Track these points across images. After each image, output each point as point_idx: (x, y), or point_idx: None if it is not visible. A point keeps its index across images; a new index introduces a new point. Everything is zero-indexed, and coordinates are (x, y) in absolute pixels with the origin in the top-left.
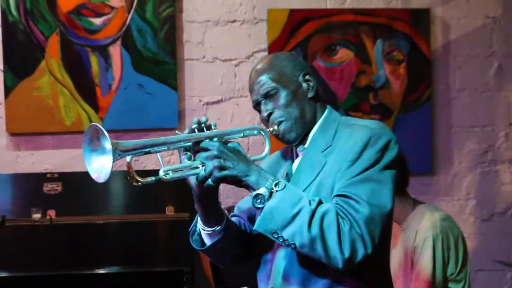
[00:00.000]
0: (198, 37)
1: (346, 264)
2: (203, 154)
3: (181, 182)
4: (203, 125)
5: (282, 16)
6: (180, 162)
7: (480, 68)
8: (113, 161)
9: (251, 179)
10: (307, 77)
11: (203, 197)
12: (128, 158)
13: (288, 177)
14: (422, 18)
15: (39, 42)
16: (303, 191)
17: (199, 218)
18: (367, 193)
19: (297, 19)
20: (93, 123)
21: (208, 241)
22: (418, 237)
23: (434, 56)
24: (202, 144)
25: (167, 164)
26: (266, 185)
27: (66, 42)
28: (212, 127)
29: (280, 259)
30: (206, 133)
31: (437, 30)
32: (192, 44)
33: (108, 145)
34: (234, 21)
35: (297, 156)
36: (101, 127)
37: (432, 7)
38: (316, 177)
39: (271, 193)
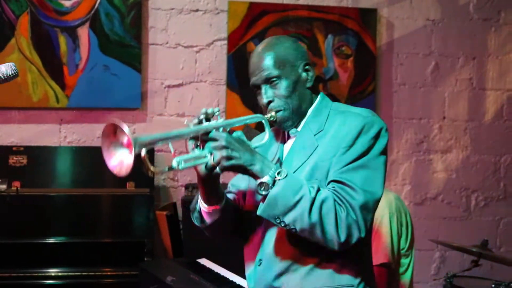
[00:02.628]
0: (163, 23)
1: (341, 247)
2: (212, 144)
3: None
4: (210, 115)
5: (242, 8)
6: (188, 152)
7: (419, 65)
8: (134, 156)
9: (256, 168)
10: (307, 67)
11: (207, 181)
12: (143, 152)
13: (280, 160)
14: (369, 17)
15: (10, 20)
16: (295, 171)
17: (199, 197)
18: (361, 180)
19: (256, 11)
20: (113, 119)
21: (207, 219)
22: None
23: (379, 52)
24: (211, 135)
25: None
26: (269, 173)
27: (36, 21)
28: (218, 117)
29: (271, 235)
30: (214, 123)
31: (382, 29)
32: (157, 30)
33: (128, 140)
34: (197, 10)
35: (288, 138)
36: (121, 123)
37: (379, 7)
38: (308, 158)
39: (274, 181)
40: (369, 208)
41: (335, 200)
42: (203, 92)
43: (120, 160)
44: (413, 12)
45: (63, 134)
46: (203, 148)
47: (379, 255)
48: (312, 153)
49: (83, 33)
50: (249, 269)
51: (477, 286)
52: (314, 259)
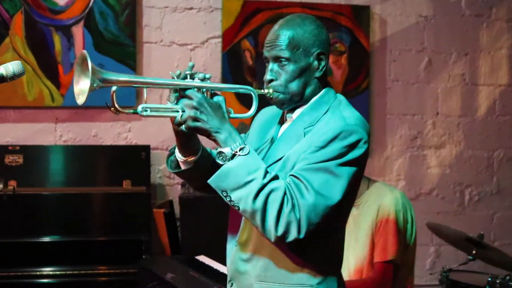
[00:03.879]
0: (157, 22)
1: (276, 240)
2: (185, 101)
3: (138, 159)
4: (196, 73)
5: (236, 6)
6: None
7: (412, 62)
8: (90, 87)
9: (220, 136)
10: (321, 56)
11: (180, 134)
12: (113, 88)
13: (272, 141)
14: (362, 14)
15: (3, 19)
16: (277, 161)
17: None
18: (319, 183)
19: (250, 9)
20: (83, 51)
21: (182, 167)
22: (381, 212)
23: (372, 49)
24: (187, 92)
25: None
26: (232, 146)
27: (30, 20)
28: (206, 77)
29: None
30: (196, 82)
31: (375, 26)
32: (151, 28)
33: (89, 71)
34: (191, 8)
35: (286, 120)
36: (87, 56)
37: (371, 4)
38: (290, 150)
39: (233, 155)
40: (317, 212)
41: (285, 193)
42: None
43: (81, 88)
44: (405, 9)
45: (59, 133)
46: (177, 103)
47: (386, 252)
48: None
49: (78, 31)
50: (229, 245)
51: (473, 280)
52: (274, 251)
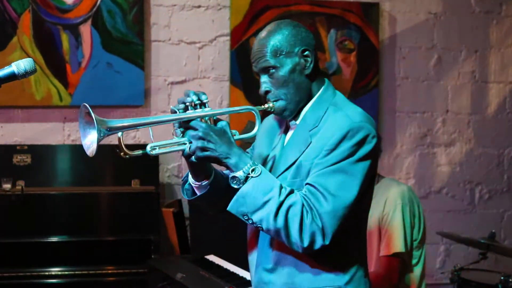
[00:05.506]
0: (165, 20)
1: (304, 251)
2: (191, 133)
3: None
4: (197, 102)
5: (244, 3)
6: (173, 137)
7: (422, 59)
8: (98, 138)
9: (231, 161)
10: (306, 53)
11: (191, 163)
12: (119, 133)
13: (280, 148)
14: (372, 11)
15: (11, 18)
16: (288, 167)
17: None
18: (335, 185)
19: (258, 7)
20: (84, 104)
21: (196, 191)
22: (387, 206)
23: (382, 46)
24: (191, 124)
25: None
26: (244, 169)
27: (38, 19)
28: (206, 105)
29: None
30: (198, 112)
31: (385, 23)
32: (159, 27)
33: (93, 123)
34: (199, 6)
35: (290, 127)
36: (88, 106)
37: (381, 1)
38: (301, 155)
39: (246, 178)
40: (337, 216)
41: (303, 205)
42: (207, 88)
43: (90, 141)
44: (415, 6)
45: (67, 132)
46: (183, 136)
47: (391, 245)
48: (305, 150)
49: (86, 30)
50: (250, 256)
51: (485, 279)
52: (299, 257)
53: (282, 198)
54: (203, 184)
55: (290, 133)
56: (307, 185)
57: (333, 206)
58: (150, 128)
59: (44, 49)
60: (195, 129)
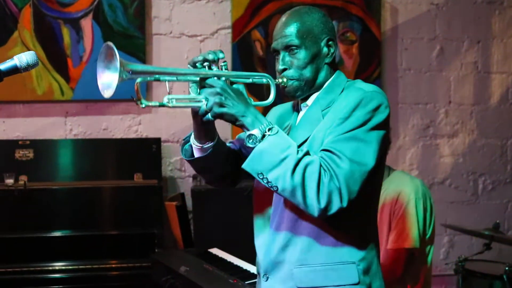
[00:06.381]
0: (166, 13)
1: (321, 213)
2: (207, 90)
3: (149, 152)
4: (213, 62)
5: None
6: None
7: (424, 50)
8: (119, 79)
9: (247, 120)
10: (330, 42)
11: (200, 123)
12: (138, 79)
13: (291, 129)
14: (373, 3)
15: (12, 13)
16: (301, 145)
17: (193, 133)
18: (350, 151)
19: None
20: (108, 42)
21: (197, 155)
22: (401, 199)
23: (384, 38)
24: (208, 81)
25: None
26: (260, 127)
27: (38, 14)
28: (223, 66)
29: (276, 207)
30: (215, 71)
31: (387, 14)
32: (160, 20)
33: (117, 63)
34: None
35: (301, 109)
36: (114, 46)
37: None
38: (313, 132)
39: (263, 136)
40: (355, 178)
41: (321, 166)
42: None
43: (107, 81)
44: None
45: (69, 127)
46: (199, 93)
47: (404, 239)
48: (317, 127)
49: (87, 24)
50: (258, 240)
51: (489, 269)
52: (312, 233)
53: (300, 155)
54: (205, 146)
55: (302, 113)
56: (322, 151)
57: (351, 169)
58: (167, 81)
59: (45, 43)
60: (212, 86)
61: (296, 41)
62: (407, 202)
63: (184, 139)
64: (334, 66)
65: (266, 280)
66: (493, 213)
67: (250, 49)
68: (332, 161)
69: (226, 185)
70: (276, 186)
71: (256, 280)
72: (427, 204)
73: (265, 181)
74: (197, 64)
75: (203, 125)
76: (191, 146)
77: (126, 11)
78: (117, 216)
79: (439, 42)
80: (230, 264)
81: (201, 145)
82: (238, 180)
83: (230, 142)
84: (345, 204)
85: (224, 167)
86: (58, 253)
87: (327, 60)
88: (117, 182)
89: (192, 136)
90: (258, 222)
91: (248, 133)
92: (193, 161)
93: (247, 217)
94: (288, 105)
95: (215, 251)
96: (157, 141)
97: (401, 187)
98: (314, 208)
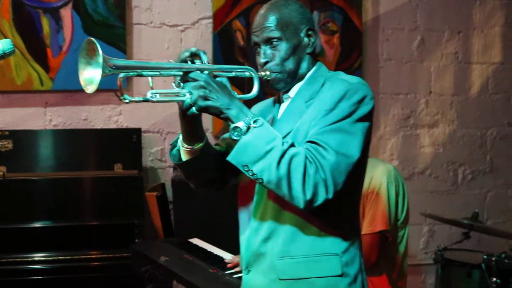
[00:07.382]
0: (147, 3)
1: (306, 205)
2: (191, 84)
3: (129, 142)
4: (195, 56)
5: None
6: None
7: (405, 40)
8: (102, 74)
9: (232, 112)
10: (310, 32)
11: (186, 120)
12: (121, 75)
13: (273, 121)
14: None
15: None
16: (284, 137)
17: (181, 136)
18: (336, 142)
19: None
20: (90, 38)
21: (185, 158)
22: (372, 184)
23: (365, 28)
24: (191, 75)
25: None
26: (245, 120)
27: (18, 3)
28: (204, 60)
29: (259, 199)
30: (198, 65)
31: (368, 5)
32: (141, 10)
33: (99, 59)
34: None
35: (283, 101)
36: (96, 42)
37: None
38: (296, 124)
39: (248, 128)
40: (340, 170)
41: (306, 157)
42: None
43: (90, 77)
44: None
45: (48, 117)
46: (183, 88)
47: (376, 223)
48: (300, 119)
49: (66, 14)
50: (243, 235)
51: (468, 258)
52: (295, 224)
53: (285, 147)
54: (195, 148)
55: (284, 105)
56: (307, 142)
57: (336, 160)
58: (149, 77)
59: (24, 33)
60: (195, 80)
61: (276, 33)
62: (379, 186)
63: (171, 144)
64: (315, 56)
65: (248, 273)
66: (473, 203)
67: (231, 39)
68: (318, 152)
69: (214, 189)
70: (262, 178)
71: (236, 270)
72: (399, 188)
73: (250, 173)
74: (187, 60)
75: (190, 123)
76: (178, 151)
77: (106, 1)
78: (97, 206)
79: (420, 33)
80: (210, 254)
81: (190, 147)
82: (226, 183)
83: (215, 145)
84: (331, 195)
85: (214, 170)
86: (38, 244)
87: (308, 50)
88: (97, 173)
89: (180, 139)
90: (243, 217)
91: (233, 125)
92: (183, 164)
93: (227, 208)
94: (268, 100)
95: (195, 241)
96: (138, 131)
97: (372, 172)
98: (300, 199)
